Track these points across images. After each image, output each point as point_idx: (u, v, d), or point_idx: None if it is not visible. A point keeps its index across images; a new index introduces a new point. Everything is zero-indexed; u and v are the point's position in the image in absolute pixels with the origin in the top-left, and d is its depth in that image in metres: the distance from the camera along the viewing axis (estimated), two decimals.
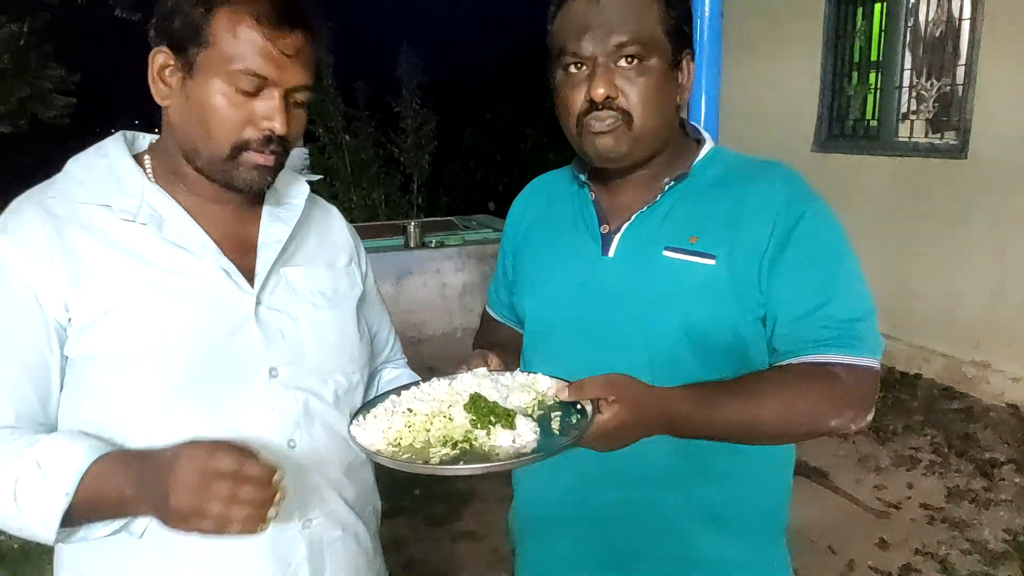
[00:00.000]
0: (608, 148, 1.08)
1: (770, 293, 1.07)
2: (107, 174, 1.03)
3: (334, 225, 1.25)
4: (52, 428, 0.98)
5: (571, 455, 0.92)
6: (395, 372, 1.31)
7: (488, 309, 1.43)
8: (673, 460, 1.08)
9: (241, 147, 0.99)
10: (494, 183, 10.05)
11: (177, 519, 0.85)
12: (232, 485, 0.83)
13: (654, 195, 1.13)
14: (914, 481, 3.44)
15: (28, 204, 0.99)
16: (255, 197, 1.12)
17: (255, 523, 0.84)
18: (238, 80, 0.96)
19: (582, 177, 1.19)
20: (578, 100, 1.07)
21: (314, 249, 1.18)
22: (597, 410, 0.90)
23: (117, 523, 0.95)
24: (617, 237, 1.13)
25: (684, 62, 1.11)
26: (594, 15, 1.04)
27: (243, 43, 0.96)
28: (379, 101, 8.33)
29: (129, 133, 1.10)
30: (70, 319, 0.96)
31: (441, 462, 0.86)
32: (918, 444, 3.78)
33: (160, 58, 1.00)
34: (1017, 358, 4.19)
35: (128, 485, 0.89)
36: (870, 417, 1.05)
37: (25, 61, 6.08)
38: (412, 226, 4.73)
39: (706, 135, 1.19)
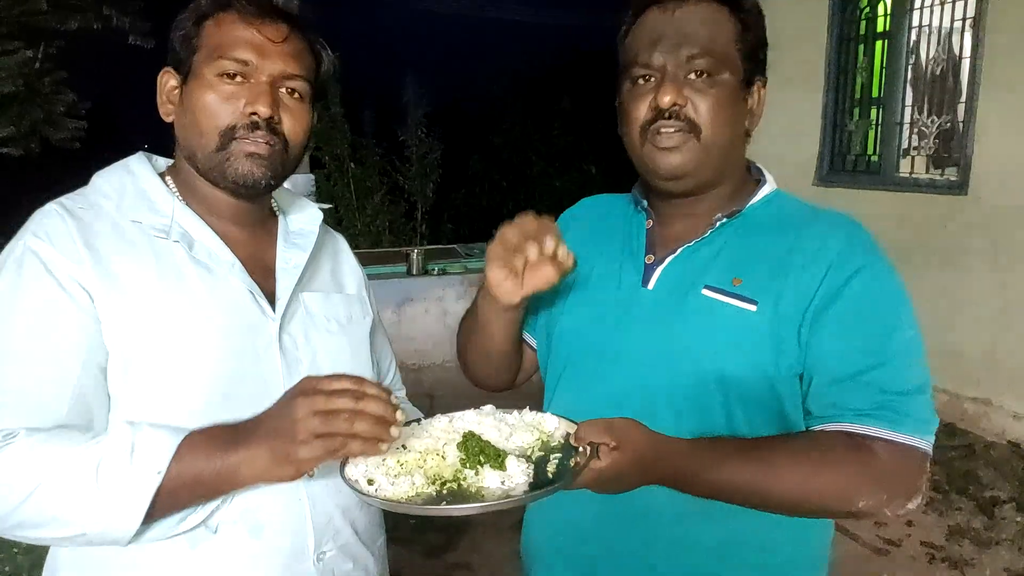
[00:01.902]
0: (675, 164, 1.04)
1: (810, 349, 0.99)
2: (136, 191, 1.05)
3: (343, 252, 1.28)
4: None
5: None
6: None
7: None
8: (689, 497, 0.99)
9: (229, 135, 1.01)
10: (499, 210, 10.10)
11: (298, 450, 0.82)
12: (354, 400, 0.83)
13: (704, 230, 1.08)
14: (914, 518, 3.41)
15: (56, 210, 1.00)
16: (269, 220, 1.14)
17: (377, 440, 0.83)
18: (222, 67, 1.00)
19: (644, 203, 1.15)
20: (642, 109, 1.04)
21: (328, 276, 1.20)
22: (595, 455, 0.87)
23: (195, 517, 0.91)
24: (659, 269, 1.09)
25: (756, 87, 1.08)
26: (667, 26, 1.02)
27: (225, 34, 1.01)
28: (385, 129, 8.43)
29: (148, 155, 1.12)
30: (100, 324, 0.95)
31: (425, 502, 0.85)
32: None
33: (165, 78, 1.06)
34: (1018, 395, 4.17)
35: (230, 447, 0.86)
36: (912, 504, 0.96)
37: (38, 86, 6.17)
38: (415, 253, 4.75)
39: (768, 177, 1.14)
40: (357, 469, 0.92)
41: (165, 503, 0.86)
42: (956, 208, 4.44)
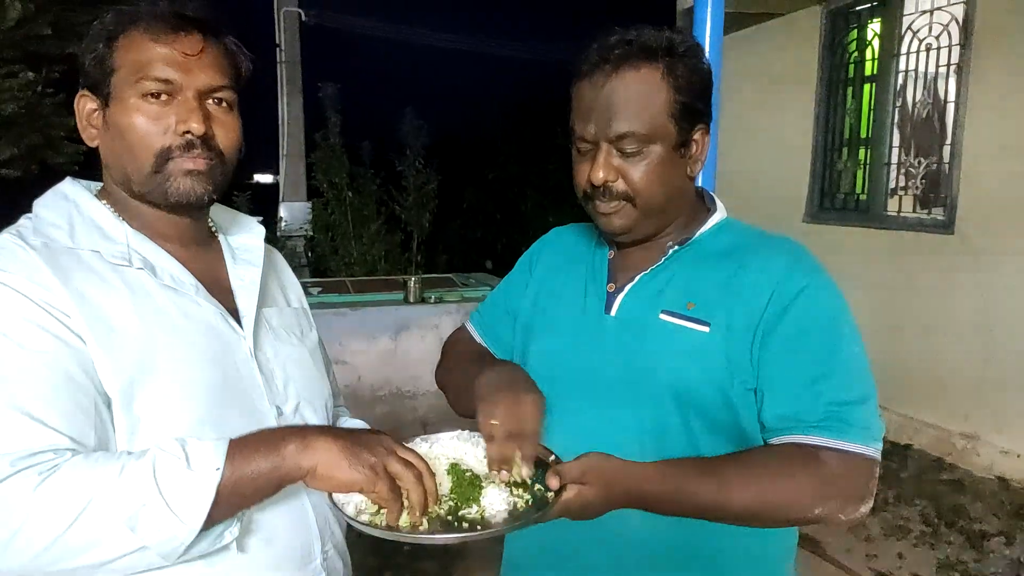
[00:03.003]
0: (614, 227, 1.12)
1: (761, 366, 1.05)
2: (84, 220, 1.02)
3: (281, 265, 1.28)
4: None
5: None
6: (351, 422, 1.30)
7: (470, 325, 1.43)
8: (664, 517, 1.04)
9: (165, 156, 0.99)
10: (493, 242, 10.17)
11: (369, 458, 0.88)
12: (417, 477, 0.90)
13: (659, 258, 1.15)
14: (905, 551, 3.44)
15: (15, 241, 0.96)
16: (211, 238, 1.14)
17: (401, 510, 0.89)
18: (146, 88, 0.98)
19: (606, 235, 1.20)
20: (583, 177, 1.11)
21: (276, 290, 1.21)
22: (563, 488, 0.92)
23: (231, 532, 0.91)
24: (620, 297, 1.15)
25: (697, 136, 1.12)
26: (595, 100, 1.07)
27: (143, 55, 0.99)
28: (383, 160, 8.52)
29: (76, 180, 1.09)
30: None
31: (437, 528, 0.89)
32: (908, 514, 3.78)
33: (83, 102, 1.04)
34: (1005, 431, 4.22)
35: (290, 438, 0.89)
36: (864, 509, 1.01)
37: (39, 108, 6.22)
38: (412, 282, 4.79)
39: (719, 204, 1.20)
40: (348, 496, 0.94)
41: (225, 502, 0.86)
42: (943, 246, 4.54)
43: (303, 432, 0.91)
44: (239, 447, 0.88)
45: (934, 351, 4.55)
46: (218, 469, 0.84)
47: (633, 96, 1.06)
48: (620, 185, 1.08)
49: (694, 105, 1.09)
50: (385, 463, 0.88)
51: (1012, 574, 3.22)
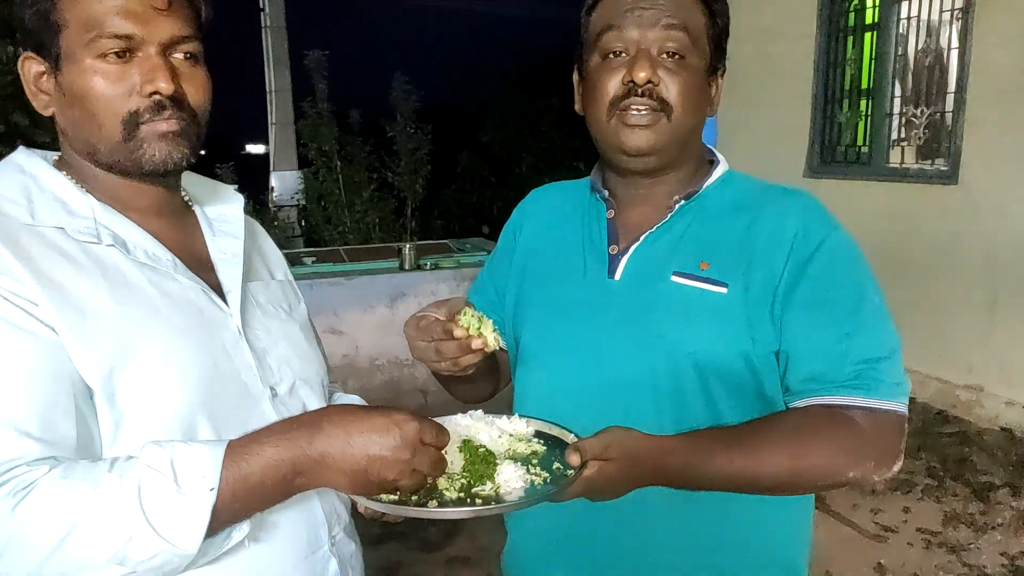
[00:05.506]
0: (643, 142, 1.03)
1: (784, 327, 1.00)
2: (44, 194, 0.92)
3: (262, 237, 1.20)
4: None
5: None
6: (346, 397, 1.24)
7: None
8: (674, 490, 0.98)
9: (133, 121, 0.90)
10: (488, 207, 10.08)
11: (372, 490, 0.83)
12: (438, 467, 0.85)
13: (664, 214, 1.08)
14: (910, 505, 3.43)
15: None
16: (186, 209, 1.06)
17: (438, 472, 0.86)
18: (104, 47, 0.88)
19: (605, 192, 1.14)
20: (613, 84, 1.03)
21: (259, 263, 1.13)
22: (584, 465, 0.86)
23: (238, 534, 0.84)
24: (624, 259, 1.08)
25: (718, 75, 1.10)
26: (643, 2, 1.02)
27: (95, 8, 0.88)
28: (374, 126, 8.40)
29: (30, 150, 0.98)
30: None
31: (451, 504, 0.86)
32: (914, 468, 3.77)
33: (29, 65, 0.93)
34: (1010, 382, 4.21)
35: (291, 450, 0.80)
36: (897, 467, 0.97)
37: (19, 83, 6.09)
38: (407, 248, 4.72)
39: (720, 157, 1.14)
40: None
41: (225, 517, 0.79)
42: (946, 197, 4.47)
43: (311, 448, 0.81)
44: (237, 460, 0.79)
45: (937, 304, 4.50)
46: (212, 490, 0.76)
47: (680, 6, 1.03)
48: (661, 90, 1.02)
49: (721, 41, 1.08)
50: (399, 488, 0.83)
51: (1018, 525, 3.22)
